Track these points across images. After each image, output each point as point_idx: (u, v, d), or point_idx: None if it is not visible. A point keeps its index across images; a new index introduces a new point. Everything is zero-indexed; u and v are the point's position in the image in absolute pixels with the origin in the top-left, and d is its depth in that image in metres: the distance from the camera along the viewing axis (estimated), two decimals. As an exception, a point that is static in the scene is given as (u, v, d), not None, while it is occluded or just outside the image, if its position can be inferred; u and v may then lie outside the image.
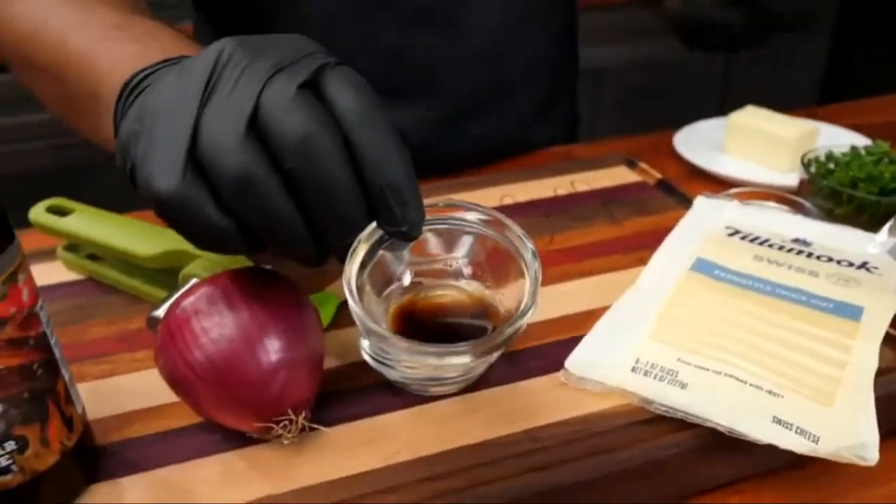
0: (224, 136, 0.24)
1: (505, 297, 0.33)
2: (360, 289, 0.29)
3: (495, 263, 0.33)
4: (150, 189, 0.25)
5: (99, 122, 0.33)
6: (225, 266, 0.34)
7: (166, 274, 0.38)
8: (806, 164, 0.50)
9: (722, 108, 0.68)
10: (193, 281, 0.34)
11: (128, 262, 0.39)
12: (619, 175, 0.54)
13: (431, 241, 0.34)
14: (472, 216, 0.33)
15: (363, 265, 0.29)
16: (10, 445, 0.25)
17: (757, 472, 0.31)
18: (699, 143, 0.62)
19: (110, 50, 0.34)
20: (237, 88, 0.25)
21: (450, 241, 0.34)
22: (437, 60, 0.60)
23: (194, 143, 0.25)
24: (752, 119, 0.62)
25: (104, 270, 0.41)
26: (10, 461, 0.25)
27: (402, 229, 0.27)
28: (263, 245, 0.27)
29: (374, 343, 0.30)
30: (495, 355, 0.31)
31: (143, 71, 0.30)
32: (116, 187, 0.41)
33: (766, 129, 0.60)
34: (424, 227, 0.28)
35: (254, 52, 0.26)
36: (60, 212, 0.41)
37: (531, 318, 0.29)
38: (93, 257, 0.42)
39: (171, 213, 0.25)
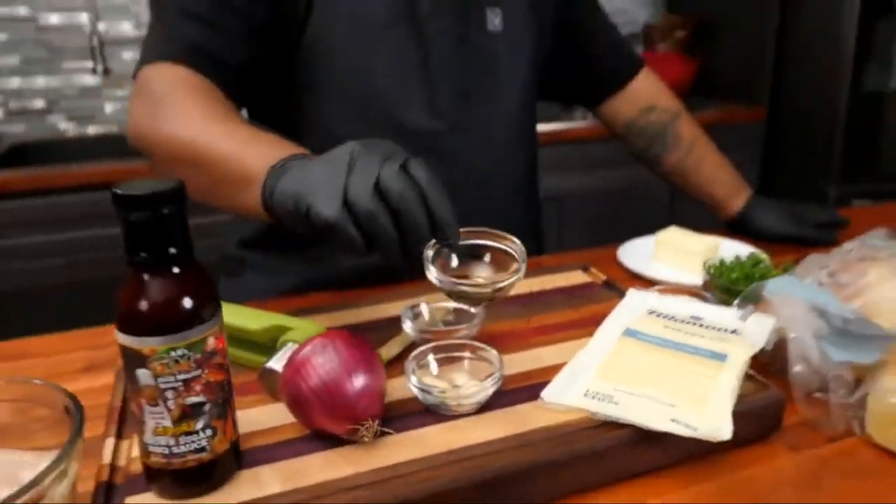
0: (363, 190, 0.47)
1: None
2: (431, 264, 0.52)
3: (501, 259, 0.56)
4: (320, 217, 0.47)
5: (244, 196, 0.57)
6: (312, 334, 0.53)
7: (258, 347, 0.57)
8: (706, 269, 0.72)
9: (669, 223, 0.91)
10: (290, 344, 0.53)
11: (233, 337, 0.57)
12: (575, 277, 0.75)
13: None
14: (490, 241, 0.56)
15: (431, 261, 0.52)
16: (209, 432, 0.42)
17: (668, 461, 0.49)
18: (635, 253, 0.85)
19: (251, 150, 0.58)
20: (367, 168, 0.48)
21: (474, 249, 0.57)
22: None
23: (346, 194, 0.46)
24: (673, 236, 0.85)
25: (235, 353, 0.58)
26: (206, 443, 0.42)
27: (448, 242, 0.50)
28: (374, 250, 0.49)
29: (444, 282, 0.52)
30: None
31: (281, 160, 0.54)
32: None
33: (681, 243, 0.83)
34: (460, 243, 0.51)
35: (372, 150, 0.49)
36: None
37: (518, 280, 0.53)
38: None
39: (330, 231, 0.47)
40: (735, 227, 0.95)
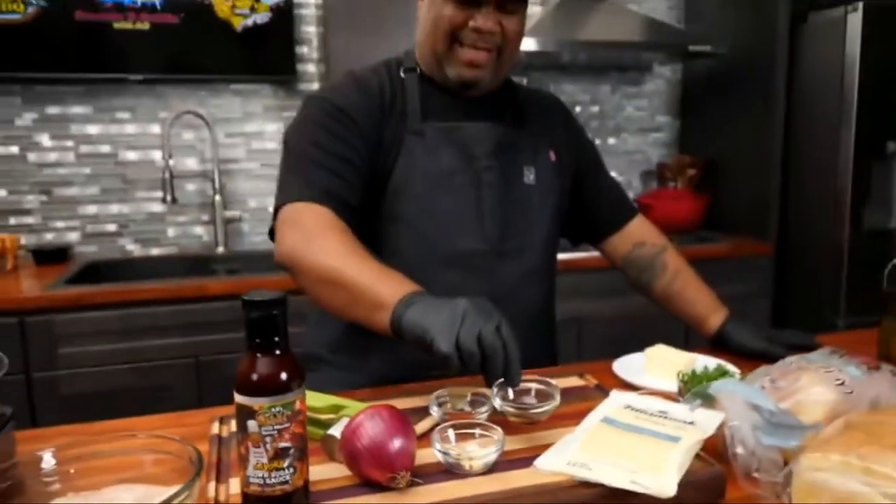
0: (469, 339, 0.70)
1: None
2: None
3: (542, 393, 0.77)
4: (440, 351, 0.70)
5: (376, 317, 0.81)
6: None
7: (319, 424, 0.76)
8: (680, 378, 0.90)
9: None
10: (345, 418, 0.72)
11: (299, 414, 0.76)
12: (572, 381, 0.94)
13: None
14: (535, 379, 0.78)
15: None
16: (291, 470, 0.61)
17: (632, 517, 0.65)
18: (627, 366, 1.03)
19: (383, 283, 0.83)
20: (474, 324, 0.72)
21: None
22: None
23: (458, 339, 0.70)
24: (660, 352, 1.03)
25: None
26: (289, 478, 0.61)
27: (512, 383, 0.72)
28: (468, 372, 0.70)
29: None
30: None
31: (407, 295, 0.78)
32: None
33: (666, 358, 1.01)
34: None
35: (479, 310, 0.73)
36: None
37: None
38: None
39: (443, 359, 0.69)
40: (716, 344, 1.13)
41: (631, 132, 2.85)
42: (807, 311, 2.38)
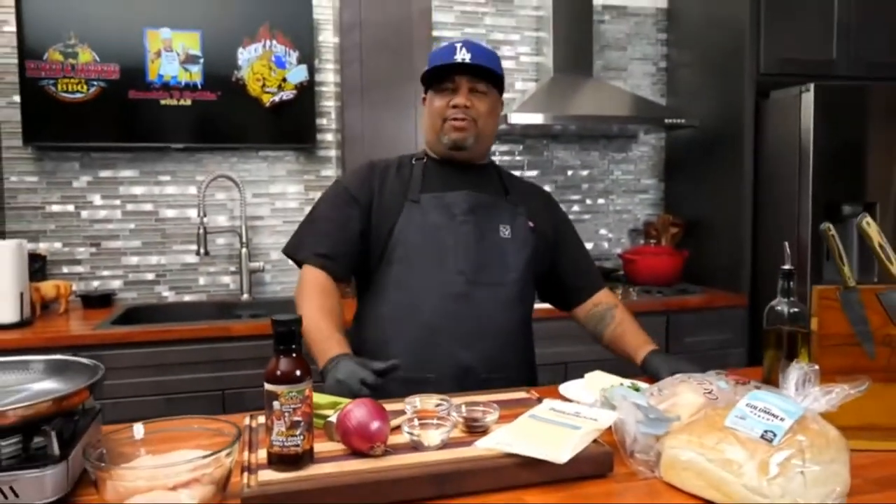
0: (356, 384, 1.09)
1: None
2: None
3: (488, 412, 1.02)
4: (351, 390, 1.08)
5: (318, 361, 1.18)
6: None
7: (321, 417, 1.05)
8: (601, 391, 1.17)
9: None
10: (339, 408, 1.01)
11: (308, 410, 1.06)
12: (518, 394, 1.22)
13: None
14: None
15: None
16: (301, 437, 0.90)
17: (541, 480, 0.93)
18: (573, 387, 1.31)
19: (325, 344, 1.22)
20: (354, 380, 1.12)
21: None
22: (459, 336, 1.36)
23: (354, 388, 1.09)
24: (598, 375, 1.31)
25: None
26: (300, 443, 0.90)
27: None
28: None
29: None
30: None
31: (331, 360, 1.17)
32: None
33: (600, 381, 1.29)
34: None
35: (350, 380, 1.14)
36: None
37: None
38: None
39: (349, 393, 1.06)
40: (643, 372, 1.41)
41: (619, 194, 3.17)
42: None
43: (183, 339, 2.19)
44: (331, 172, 2.84)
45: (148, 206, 2.70)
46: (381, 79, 2.56)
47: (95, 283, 2.67)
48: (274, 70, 2.67)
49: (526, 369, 1.51)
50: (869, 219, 1.06)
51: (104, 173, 2.66)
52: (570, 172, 3.09)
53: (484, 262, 1.43)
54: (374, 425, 0.94)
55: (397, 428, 1.03)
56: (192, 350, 2.19)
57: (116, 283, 2.68)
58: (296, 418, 0.89)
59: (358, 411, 0.95)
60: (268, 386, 0.90)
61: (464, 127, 1.43)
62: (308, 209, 2.72)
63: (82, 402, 0.98)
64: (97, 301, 2.55)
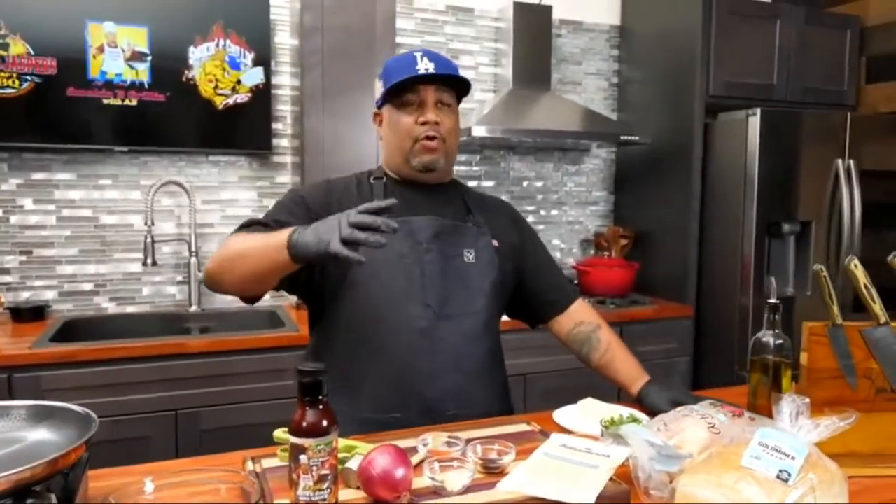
0: (347, 231, 1.07)
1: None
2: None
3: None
4: (329, 247, 1.05)
5: (280, 258, 1.14)
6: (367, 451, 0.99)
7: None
8: (601, 423, 1.21)
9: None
10: (358, 455, 0.99)
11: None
12: (521, 427, 1.23)
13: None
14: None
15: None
16: (328, 491, 0.88)
17: (565, 523, 0.95)
18: (565, 414, 1.34)
19: (275, 234, 1.17)
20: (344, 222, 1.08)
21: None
22: (425, 373, 1.33)
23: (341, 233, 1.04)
24: (589, 404, 1.34)
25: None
26: (327, 496, 0.88)
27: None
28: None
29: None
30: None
31: (293, 229, 1.13)
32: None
33: (594, 408, 1.32)
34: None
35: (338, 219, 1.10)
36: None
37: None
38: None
39: (336, 254, 1.05)
40: (637, 402, 1.45)
41: (571, 205, 3.24)
42: (720, 366, 2.77)
43: (134, 356, 2.08)
44: (286, 179, 2.76)
45: (86, 212, 2.55)
46: (344, 85, 2.51)
47: (26, 294, 2.49)
48: (228, 71, 2.57)
49: (498, 401, 1.45)
50: (857, 261, 1.13)
51: (37, 176, 2.48)
52: (525, 183, 3.13)
53: (449, 293, 1.36)
54: (400, 473, 0.93)
55: (415, 467, 1.02)
56: (142, 368, 2.09)
57: (50, 294, 2.52)
58: (324, 472, 0.87)
59: (382, 459, 0.93)
60: (294, 439, 0.87)
61: (436, 147, 1.36)
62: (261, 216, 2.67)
63: (79, 457, 0.92)
64: (29, 314, 2.38)
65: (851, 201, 2.68)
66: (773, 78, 2.85)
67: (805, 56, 2.89)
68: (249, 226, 1.31)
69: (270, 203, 2.94)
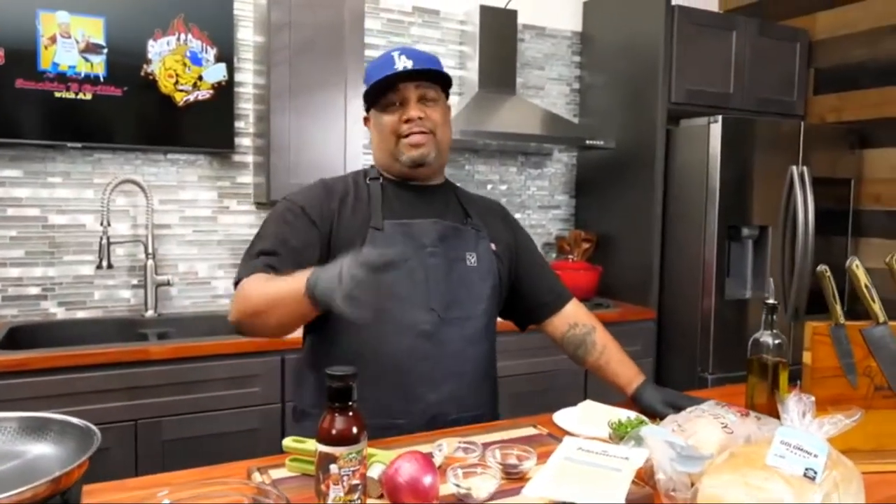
0: (350, 284, 0.99)
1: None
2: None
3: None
4: (341, 309, 0.99)
5: (303, 308, 1.09)
6: (386, 458, 0.95)
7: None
8: (610, 425, 1.20)
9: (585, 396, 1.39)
10: (377, 463, 0.95)
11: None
12: (528, 431, 1.21)
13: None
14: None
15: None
16: (358, 500, 0.83)
17: (593, 527, 0.93)
18: (564, 416, 1.32)
19: (292, 281, 1.11)
20: (349, 275, 1.00)
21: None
22: (428, 377, 1.29)
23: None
24: (589, 406, 1.34)
25: (310, 468, 0.99)
26: (358, 499, 0.83)
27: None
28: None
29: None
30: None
31: (312, 273, 1.05)
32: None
33: (594, 410, 1.31)
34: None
35: (351, 261, 1.02)
36: (299, 441, 1.00)
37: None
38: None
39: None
40: (633, 401, 1.45)
41: (534, 209, 3.26)
42: (683, 367, 2.83)
43: (92, 364, 1.95)
44: (247, 179, 2.66)
45: (34, 211, 2.38)
46: (311, 83, 2.44)
47: (-35, 299, 2.31)
48: (189, 67, 2.46)
49: (489, 405, 1.44)
50: (857, 262, 1.17)
51: (-22, 172, 2.31)
52: (489, 187, 3.13)
53: (453, 297, 1.34)
54: (428, 480, 0.89)
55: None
56: (100, 377, 1.96)
57: (-9, 299, 2.34)
58: (354, 482, 0.83)
59: (409, 466, 0.89)
60: (323, 448, 0.82)
61: (422, 141, 1.33)
62: (221, 217, 2.57)
63: (82, 474, 0.84)
64: (-30, 320, 2.21)
65: (805, 207, 2.79)
66: (729, 87, 2.95)
67: (759, 67, 3.00)
68: (258, 256, 1.27)
69: (231, 204, 2.88)
